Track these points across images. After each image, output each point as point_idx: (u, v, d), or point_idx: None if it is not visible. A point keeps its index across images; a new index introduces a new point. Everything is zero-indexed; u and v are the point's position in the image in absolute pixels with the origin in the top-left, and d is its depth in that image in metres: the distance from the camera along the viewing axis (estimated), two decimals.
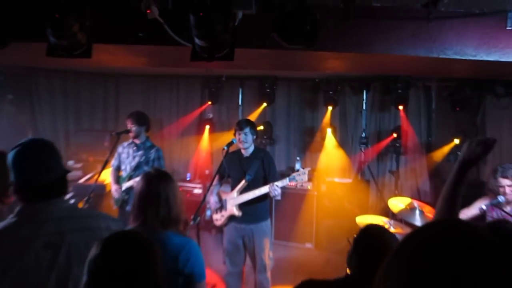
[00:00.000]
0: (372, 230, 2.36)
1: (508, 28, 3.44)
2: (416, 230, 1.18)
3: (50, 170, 1.91)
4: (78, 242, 1.83)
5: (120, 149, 5.14)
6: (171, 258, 2.17)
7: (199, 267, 2.26)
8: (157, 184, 2.39)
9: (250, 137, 4.34)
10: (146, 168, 4.95)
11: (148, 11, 2.85)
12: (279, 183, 4.17)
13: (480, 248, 0.94)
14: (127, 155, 5.11)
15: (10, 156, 1.88)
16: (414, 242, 1.13)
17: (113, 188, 5.05)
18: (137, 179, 4.83)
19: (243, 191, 4.32)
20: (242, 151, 4.41)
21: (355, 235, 2.33)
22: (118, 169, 5.18)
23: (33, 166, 1.89)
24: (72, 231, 1.85)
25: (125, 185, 4.96)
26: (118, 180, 5.11)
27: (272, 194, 4.17)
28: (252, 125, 4.39)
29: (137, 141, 5.08)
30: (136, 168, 4.99)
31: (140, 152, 5.04)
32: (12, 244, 1.76)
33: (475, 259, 0.91)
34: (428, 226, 1.20)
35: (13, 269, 1.71)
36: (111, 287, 1.42)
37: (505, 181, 3.77)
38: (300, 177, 4.26)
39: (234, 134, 4.37)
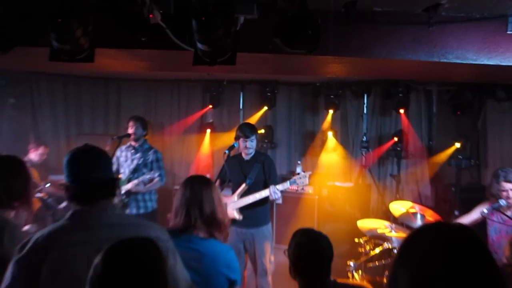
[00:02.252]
0: (297, 236, 2.45)
1: (508, 32, 3.46)
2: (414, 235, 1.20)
3: (99, 170, 1.97)
4: None
5: (118, 152, 5.15)
6: (224, 266, 2.27)
7: (239, 273, 2.39)
8: (201, 188, 2.42)
9: (255, 143, 4.36)
10: (145, 171, 4.97)
11: (150, 16, 2.86)
12: (280, 187, 4.17)
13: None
14: (125, 158, 5.12)
15: (65, 158, 2.01)
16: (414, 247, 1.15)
17: None
18: (136, 181, 4.87)
19: (243, 194, 4.32)
20: (243, 155, 4.42)
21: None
22: (117, 172, 5.19)
23: (83, 164, 1.98)
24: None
25: (125, 188, 4.97)
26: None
27: (272, 198, 4.17)
28: (256, 131, 4.40)
29: (135, 144, 5.10)
30: (135, 171, 5.01)
31: (138, 155, 5.05)
32: (64, 248, 1.78)
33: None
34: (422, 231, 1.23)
35: (64, 273, 1.72)
36: None
37: (508, 185, 3.76)
38: (301, 181, 4.27)
39: (236, 139, 4.37)
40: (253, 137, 4.31)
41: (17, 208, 2.39)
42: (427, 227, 1.27)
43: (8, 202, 2.35)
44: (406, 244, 1.20)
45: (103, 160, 2.05)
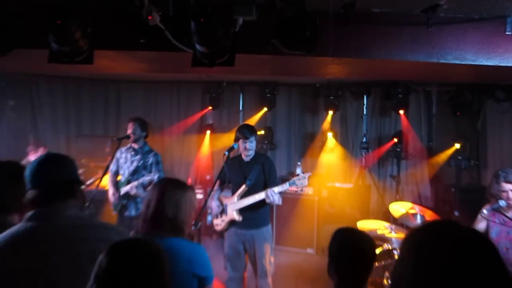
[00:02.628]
0: (341, 234, 2.29)
1: (507, 33, 3.46)
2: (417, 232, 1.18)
3: (54, 173, 1.99)
4: (83, 252, 1.84)
5: (118, 154, 5.15)
6: (185, 262, 2.26)
7: (209, 269, 2.37)
8: (170, 190, 2.42)
9: (254, 145, 4.35)
10: (144, 173, 4.97)
11: (149, 18, 2.86)
12: (279, 188, 4.16)
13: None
14: (125, 160, 5.12)
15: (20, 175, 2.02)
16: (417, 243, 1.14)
17: (110, 192, 5.07)
18: (135, 183, 4.87)
19: (243, 196, 4.31)
20: (243, 156, 4.41)
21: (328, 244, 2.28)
22: (116, 174, 5.19)
23: (37, 169, 1.98)
24: (81, 239, 1.87)
25: (124, 189, 4.97)
26: (116, 184, 5.13)
27: (268, 201, 4.16)
28: (256, 132, 4.39)
29: (135, 146, 5.10)
30: (134, 173, 5.00)
31: (138, 157, 5.05)
32: (32, 248, 1.80)
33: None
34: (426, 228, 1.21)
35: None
36: None
37: (508, 186, 3.74)
38: (300, 182, 4.26)
39: (235, 140, 4.36)
40: (253, 138, 4.31)
41: (23, 212, 2.38)
42: (436, 225, 1.25)
43: (16, 207, 2.35)
44: (412, 240, 1.18)
45: (61, 165, 2.06)
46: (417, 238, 1.17)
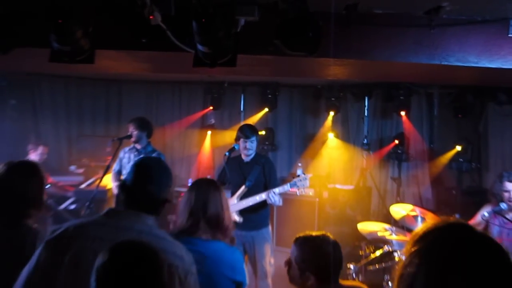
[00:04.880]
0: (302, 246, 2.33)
1: (510, 35, 3.45)
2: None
3: (154, 186, 1.99)
4: None
5: (121, 154, 5.16)
6: (228, 268, 2.28)
7: (245, 275, 2.40)
8: (207, 191, 2.42)
9: (255, 145, 4.35)
10: None
11: (151, 17, 2.86)
12: (280, 189, 4.16)
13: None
14: (128, 160, 5.12)
15: (138, 159, 2.08)
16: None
17: (114, 184, 5.06)
18: None
19: (243, 197, 4.31)
20: (243, 156, 4.41)
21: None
22: (119, 173, 5.19)
23: (143, 174, 2.00)
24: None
25: None
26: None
27: (269, 202, 4.15)
28: (257, 132, 4.39)
29: (138, 146, 5.09)
30: None
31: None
32: (88, 240, 1.80)
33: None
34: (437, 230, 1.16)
35: (81, 266, 1.73)
36: None
37: (511, 186, 3.79)
38: (301, 183, 4.25)
39: (236, 140, 4.36)
40: (253, 138, 4.30)
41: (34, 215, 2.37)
42: (449, 229, 1.20)
43: (37, 206, 2.36)
44: (424, 244, 1.14)
45: (168, 179, 2.06)
46: (429, 242, 1.13)
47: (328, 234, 2.35)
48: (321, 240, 2.29)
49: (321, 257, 2.21)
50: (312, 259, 2.24)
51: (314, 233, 2.37)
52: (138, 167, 2.02)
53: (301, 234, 2.38)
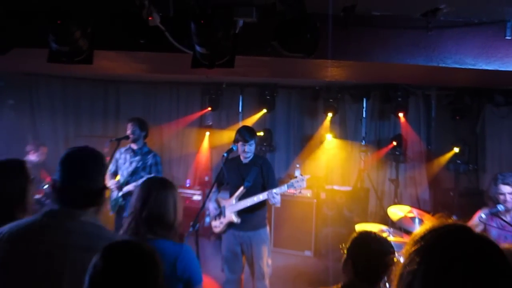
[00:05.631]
0: (363, 236, 2.42)
1: (507, 37, 3.47)
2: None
3: (85, 179, 1.95)
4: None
5: (117, 154, 5.13)
6: (169, 265, 2.20)
7: (196, 271, 2.33)
8: (155, 190, 2.40)
9: (254, 148, 4.35)
10: (143, 174, 4.95)
11: (149, 18, 2.86)
12: (278, 190, 4.16)
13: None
14: (124, 160, 5.11)
15: (64, 155, 1.99)
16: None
17: (110, 182, 5.05)
18: (135, 183, 4.86)
19: (241, 197, 4.31)
20: (242, 158, 4.41)
21: (348, 243, 2.39)
22: (115, 174, 5.18)
23: (77, 168, 1.96)
24: (85, 248, 1.81)
25: (126, 188, 4.95)
26: (118, 182, 5.10)
27: (271, 202, 4.16)
28: (256, 135, 4.39)
29: (134, 147, 5.09)
30: (133, 174, 5.00)
31: (137, 158, 5.04)
32: (36, 243, 1.79)
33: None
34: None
35: (32, 268, 1.74)
36: None
37: (506, 188, 3.78)
38: (299, 184, 4.26)
39: (235, 142, 4.36)
40: (252, 142, 4.31)
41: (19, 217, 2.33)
42: (447, 230, 1.20)
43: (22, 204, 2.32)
44: (422, 245, 1.15)
45: (98, 167, 2.02)
46: (427, 242, 1.14)
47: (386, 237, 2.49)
48: (371, 238, 2.38)
49: (362, 249, 2.31)
50: (353, 248, 2.34)
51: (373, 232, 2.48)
52: (64, 163, 1.96)
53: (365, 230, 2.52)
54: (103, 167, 2.08)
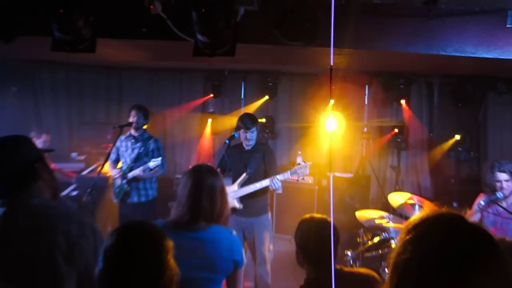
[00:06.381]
0: (303, 224, 2.44)
1: (508, 26, 3.46)
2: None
3: (7, 160, 1.87)
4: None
5: (118, 142, 5.14)
6: (226, 249, 2.35)
7: (243, 254, 2.48)
8: (205, 178, 2.43)
9: (256, 135, 4.37)
10: (146, 159, 4.98)
11: (151, 7, 2.88)
12: (280, 177, 4.20)
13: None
14: (125, 148, 5.13)
15: None
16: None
17: (113, 172, 5.09)
18: (143, 167, 4.89)
19: (244, 184, 4.35)
20: (244, 145, 4.44)
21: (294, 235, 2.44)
22: (116, 162, 5.20)
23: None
24: (39, 230, 1.79)
25: (131, 174, 4.96)
26: (120, 169, 5.13)
27: (272, 188, 4.21)
28: (257, 122, 4.41)
29: (135, 134, 5.11)
30: (137, 160, 5.03)
31: (139, 144, 5.07)
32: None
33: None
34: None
35: None
36: (128, 275, 1.48)
37: (502, 176, 3.83)
38: (302, 171, 4.29)
39: (237, 129, 4.39)
40: (254, 129, 4.33)
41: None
42: (440, 218, 1.20)
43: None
44: (416, 234, 1.15)
45: (9, 147, 1.91)
46: (421, 231, 1.15)
47: (327, 218, 2.40)
48: (316, 223, 2.38)
49: (309, 239, 2.32)
50: (298, 239, 2.38)
51: (316, 216, 2.46)
52: None
53: (306, 216, 2.48)
54: (17, 143, 1.96)
